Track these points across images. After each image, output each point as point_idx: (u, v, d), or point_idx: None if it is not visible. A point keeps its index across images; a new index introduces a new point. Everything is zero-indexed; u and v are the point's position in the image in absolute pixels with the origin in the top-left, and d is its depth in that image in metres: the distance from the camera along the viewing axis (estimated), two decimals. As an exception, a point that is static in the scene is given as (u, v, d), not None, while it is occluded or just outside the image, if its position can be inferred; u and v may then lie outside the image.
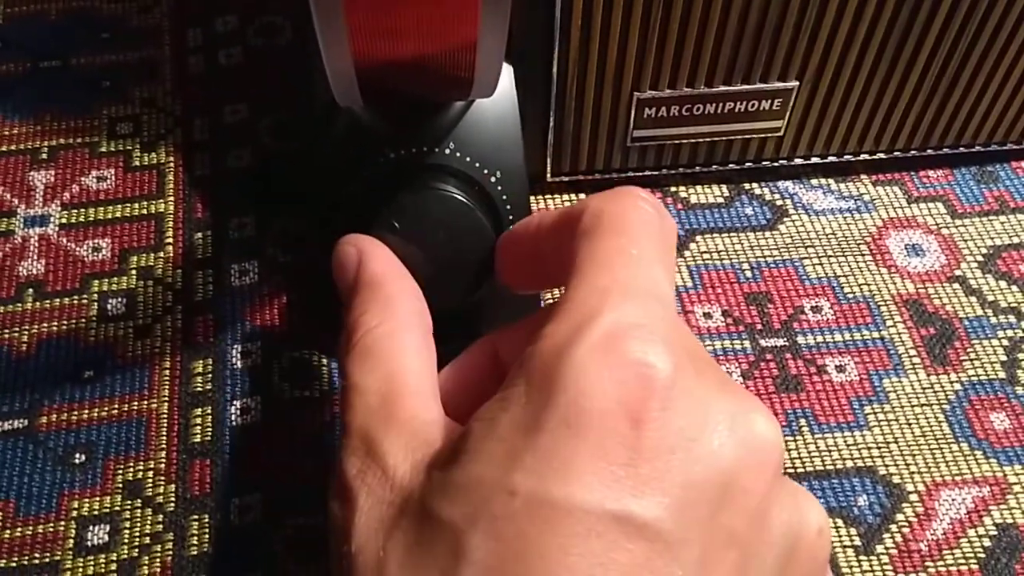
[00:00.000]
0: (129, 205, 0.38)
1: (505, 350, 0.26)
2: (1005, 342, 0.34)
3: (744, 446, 0.19)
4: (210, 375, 0.33)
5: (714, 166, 0.38)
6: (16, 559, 0.30)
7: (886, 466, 0.32)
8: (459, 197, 0.30)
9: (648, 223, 0.22)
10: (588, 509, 0.17)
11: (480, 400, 0.20)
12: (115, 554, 0.30)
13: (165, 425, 0.32)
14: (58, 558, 0.30)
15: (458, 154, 0.31)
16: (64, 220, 0.37)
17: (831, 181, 0.39)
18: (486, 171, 0.31)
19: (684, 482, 0.18)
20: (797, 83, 0.34)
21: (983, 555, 0.30)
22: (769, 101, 0.35)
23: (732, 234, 0.37)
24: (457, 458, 0.19)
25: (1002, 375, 0.34)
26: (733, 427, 0.19)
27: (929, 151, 0.38)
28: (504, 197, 0.31)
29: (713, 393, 0.19)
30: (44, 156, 0.39)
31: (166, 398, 0.33)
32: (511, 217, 0.32)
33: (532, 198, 0.38)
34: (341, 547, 0.20)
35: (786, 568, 0.20)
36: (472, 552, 0.17)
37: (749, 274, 0.36)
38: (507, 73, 0.32)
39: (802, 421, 0.33)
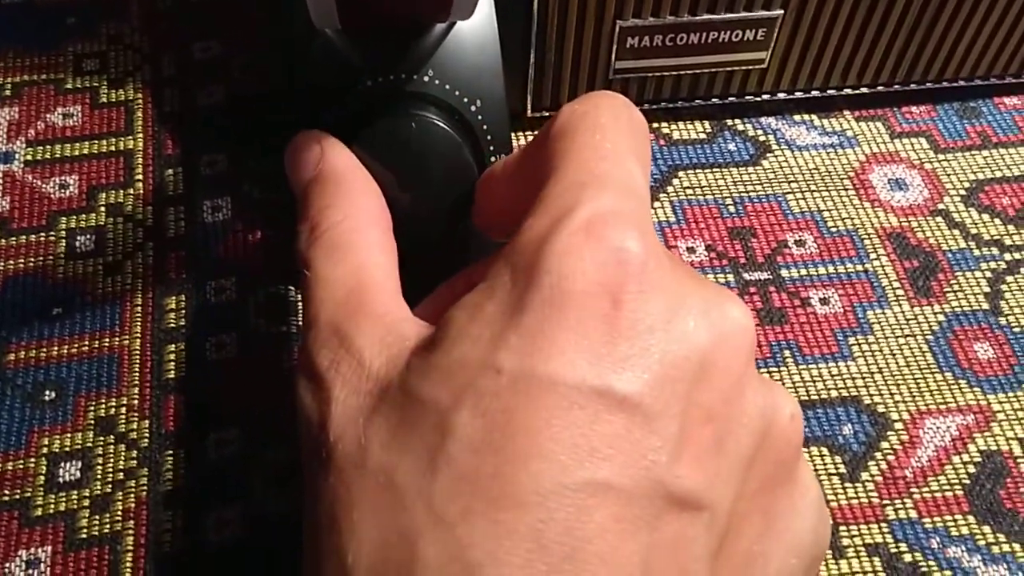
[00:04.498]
0: (97, 142, 0.37)
1: (481, 275, 0.25)
2: (988, 273, 0.34)
3: (718, 329, 0.19)
4: (183, 311, 0.33)
5: (697, 100, 0.37)
6: (-15, 496, 0.29)
7: (871, 395, 0.32)
8: (440, 124, 0.29)
9: (619, 117, 0.22)
10: (571, 384, 0.18)
11: None
12: (88, 490, 0.29)
13: (138, 361, 0.32)
14: (29, 494, 0.29)
15: (437, 81, 0.30)
16: (29, 157, 0.36)
17: (814, 117, 0.38)
18: (466, 99, 0.30)
19: (662, 359, 0.18)
20: (781, 12, 0.34)
21: (968, 481, 0.30)
22: (753, 31, 0.34)
23: (715, 170, 0.37)
24: (439, 343, 0.19)
25: (985, 306, 0.34)
26: (707, 311, 0.19)
27: (912, 86, 0.38)
28: (485, 127, 0.31)
29: (687, 282, 0.20)
30: (8, 93, 0.38)
31: (138, 334, 0.32)
32: (492, 148, 0.31)
33: (513, 134, 0.37)
34: (318, 438, 0.20)
35: (760, 449, 0.20)
36: (459, 429, 0.18)
37: (732, 209, 0.36)
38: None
39: (787, 352, 0.32)
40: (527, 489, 0.17)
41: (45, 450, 0.30)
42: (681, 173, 0.37)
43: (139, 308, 0.33)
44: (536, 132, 0.37)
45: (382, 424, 0.19)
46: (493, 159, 0.31)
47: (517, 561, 0.17)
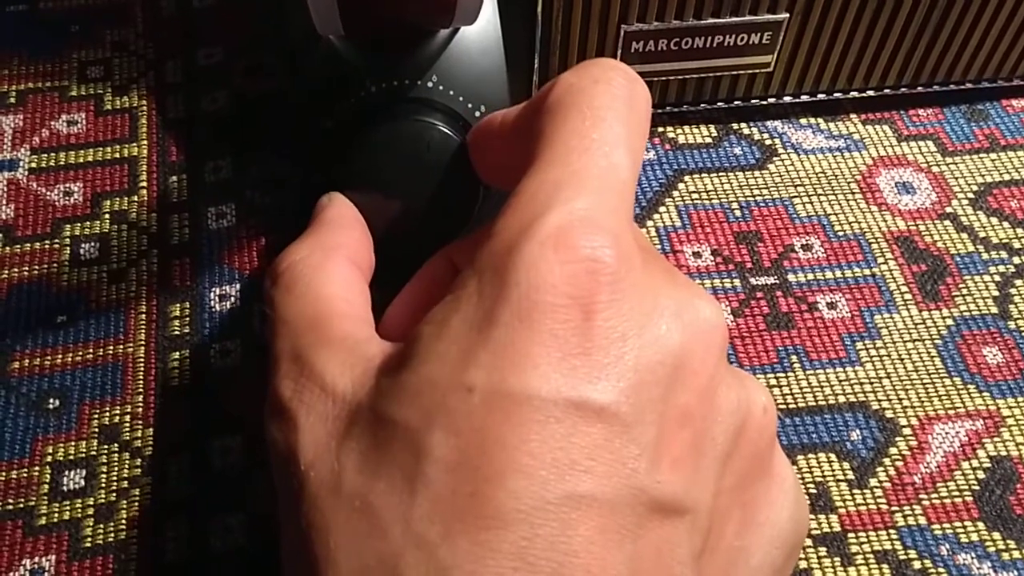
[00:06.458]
0: (101, 149, 0.37)
1: (461, 258, 0.25)
2: (997, 277, 0.34)
3: (690, 329, 0.19)
4: (188, 318, 0.33)
5: (703, 104, 0.37)
6: (-11, 505, 0.29)
7: (879, 401, 0.31)
8: (444, 129, 0.29)
9: (616, 98, 0.21)
10: (546, 398, 0.17)
11: None
12: (92, 498, 0.29)
13: (142, 369, 0.31)
14: (33, 503, 0.29)
15: (441, 87, 0.30)
16: (34, 164, 0.36)
17: (820, 120, 0.38)
18: (470, 105, 0.30)
19: (636, 366, 0.18)
20: (787, 15, 0.34)
21: (977, 487, 0.30)
22: (759, 34, 0.34)
23: (721, 174, 0.37)
24: (407, 362, 0.19)
25: (994, 310, 0.33)
26: (679, 313, 0.19)
27: (919, 88, 0.38)
28: (489, 132, 0.31)
29: (659, 283, 0.19)
30: (12, 100, 0.38)
31: (142, 342, 0.32)
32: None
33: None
34: (288, 468, 0.20)
35: (736, 444, 0.20)
36: (433, 449, 0.17)
37: (739, 213, 0.36)
38: (490, 3, 0.31)
39: (793, 358, 0.32)
40: (508, 507, 0.17)
41: (49, 458, 0.30)
42: (687, 177, 0.37)
43: (143, 315, 0.33)
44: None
45: (354, 448, 0.18)
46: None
47: None
